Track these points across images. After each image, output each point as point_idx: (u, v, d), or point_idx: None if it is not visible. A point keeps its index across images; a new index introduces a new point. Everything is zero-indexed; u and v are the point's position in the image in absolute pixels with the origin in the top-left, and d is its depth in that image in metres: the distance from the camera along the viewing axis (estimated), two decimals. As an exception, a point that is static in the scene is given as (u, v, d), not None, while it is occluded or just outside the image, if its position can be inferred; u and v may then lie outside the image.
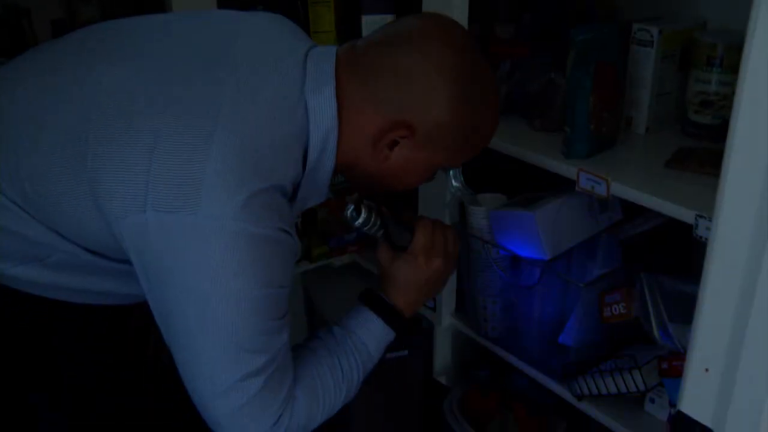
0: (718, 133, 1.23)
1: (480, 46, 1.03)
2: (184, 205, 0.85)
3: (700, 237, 1.01)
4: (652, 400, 1.27)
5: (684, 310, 1.19)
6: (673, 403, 1.21)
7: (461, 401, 1.61)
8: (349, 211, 1.09)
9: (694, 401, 0.73)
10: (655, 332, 1.21)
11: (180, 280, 0.88)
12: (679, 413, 0.75)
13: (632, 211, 1.36)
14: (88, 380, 1.10)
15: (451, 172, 1.40)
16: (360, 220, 1.09)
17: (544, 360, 1.39)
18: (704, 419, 0.72)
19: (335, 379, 1.02)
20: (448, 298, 1.59)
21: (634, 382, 1.23)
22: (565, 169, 1.22)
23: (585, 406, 1.32)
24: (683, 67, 1.31)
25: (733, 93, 0.75)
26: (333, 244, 1.85)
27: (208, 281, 0.87)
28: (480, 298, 1.47)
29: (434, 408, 1.65)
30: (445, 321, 1.61)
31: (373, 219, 1.10)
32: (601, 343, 1.33)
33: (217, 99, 0.89)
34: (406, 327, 1.12)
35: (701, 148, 1.22)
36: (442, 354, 1.70)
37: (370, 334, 1.07)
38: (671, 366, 1.20)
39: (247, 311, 0.89)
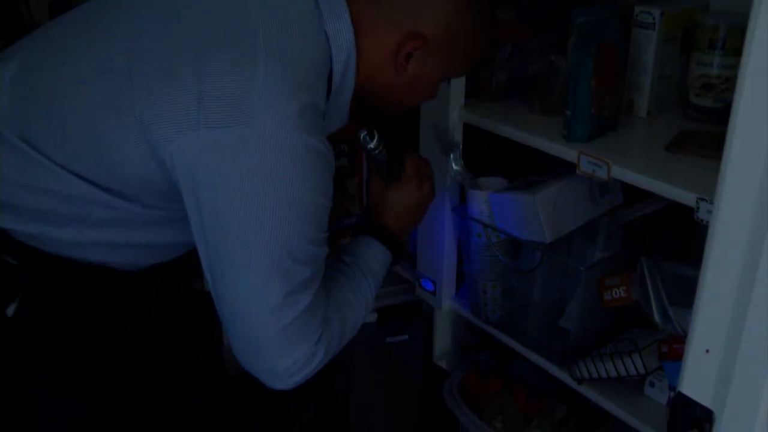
0: (720, 116, 1.23)
1: None
2: (238, 118, 0.88)
3: (701, 220, 1.01)
4: (652, 384, 1.27)
5: (684, 293, 1.19)
6: (672, 387, 1.22)
7: (461, 385, 1.62)
8: (362, 135, 1.21)
9: (694, 382, 0.73)
10: (656, 316, 1.21)
11: (235, 190, 0.90)
12: (679, 394, 0.75)
13: (633, 195, 1.36)
14: (87, 377, 1.11)
15: (451, 156, 1.41)
16: (373, 144, 1.21)
17: (544, 344, 1.39)
18: (704, 400, 0.72)
19: (356, 298, 1.09)
20: (447, 281, 1.59)
21: (634, 365, 1.23)
22: (566, 152, 1.21)
23: (585, 390, 1.32)
24: (685, 50, 1.30)
25: (735, 76, 0.74)
26: (334, 228, 1.85)
27: (264, 186, 0.89)
28: (480, 281, 1.46)
29: (434, 392, 1.65)
30: (445, 305, 1.61)
31: (382, 144, 1.21)
32: (601, 327, 1.33)
33: (250, 27, 0.93)
34: (401, 249, 1.21)
35: (702, 132, 1.22)
36: (442, 338, 1.70)
37: (376, 259, 1.15)
38: (671, 349, 1.20)
39: (300, 217, 0.92)
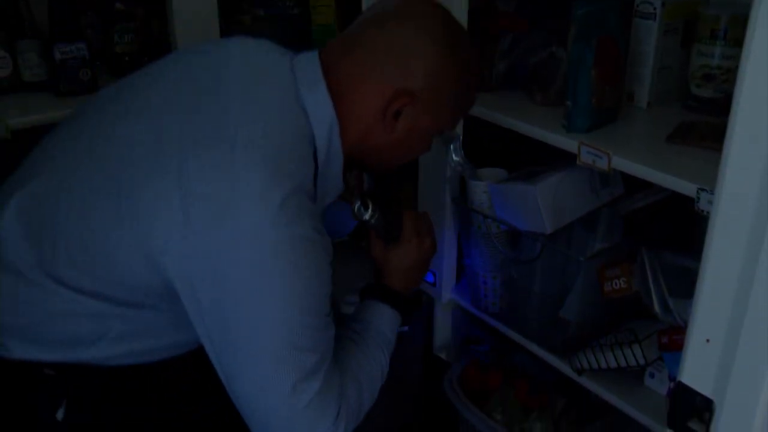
0: (721, 107, 1.23)
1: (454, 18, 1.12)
2: (222, 223, 0.89)
3: (702, 210, 1.01)
4: (652, 375, 1.27)
5: (684, 284, 1.19)
6: (672, 377, 1.22)
7: (461, 377, 1.62)
8: (356, 206, 1.19)
9: (694, 372, 0.73)
10: (656, 307, 1.21)
11: (231, 292, 0.92)
12: (680, 384, 0.75)
13: (634, 186, 1.36)
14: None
15: (451, 146, 1.40)
16: (368, 215, 1.19)
17: (545, 335, 1.39)
18: (704, 390, 0.72)
19: (370, 365, 1.10)
20: (448, 273, 1.59)
21: (634, 356, 1.23)
22: (567, 142, 1.21)
23: (585, 381, 1.32)
24: (686, 41, 1.30)
25: (736, 67, 0.74)
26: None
27: (258, 285, 0.91)
28: (480, 273, 1.47)
29: (434, 383, 1.65)
30: (446, 296, 1.61)
31: (378, 211, 1.20)
32: (601, 318, 1.33)
33: (226, 116, 0.95)
34: (410, 307, 1.23)
35: (703, 122, 1.21)
36: (443, 329, 1.70)
37: (386, 323, 1.16)
38: (671, 340, 1.20)
39: (298, 309, 0.94)
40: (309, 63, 1.03)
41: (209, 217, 0.90)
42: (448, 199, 1.50)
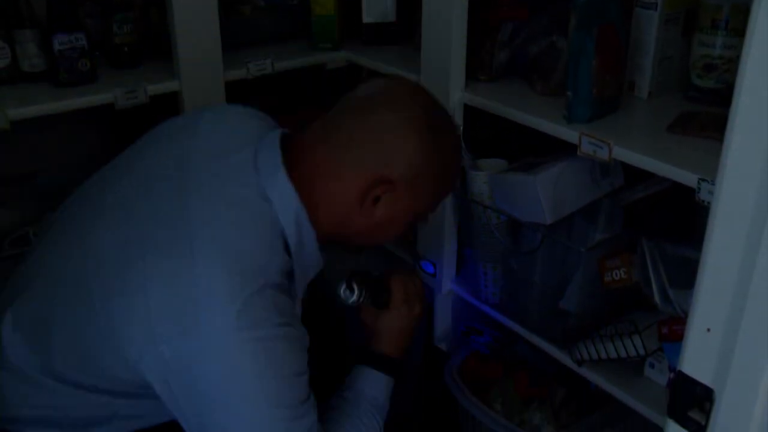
0: (722, 97, 1.23)
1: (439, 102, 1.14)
2: (187, 330, 0.92)
3: (703, 201, 1.01)
4: (652, 365, 1.27)
5: (685, 275, 1.19)
6: (672, 368, 1.22)
7: (461, 368, 1.62)
8: (342, 291, 1.19)
9: (695, 361, 0.73)
10: (656, 297, 1.21)
11: (205, 396, 0.96)
12: (680, 373, 0.75)
13: (634, 176, 1.35)
14: None
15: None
16: (354, 297, 1.19)
17: (545, 325, 1.39)
18: (705, 379, 0.72)
19: None
20: (448, 264, 1.59)
21: (634, 346, 1.23)
22: (567, 133, 1.21)
23: (585, 372, 1.32)
24: (687, 30, 1.29)
25: (737, 56, 0.74)
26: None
27: (230, 391, 0.95)
28: (480, 263, 1.46)
29: (434, 374, 1.65)
30: (446, 287, 1.61)
31: (364, 292, 1.20)
32: (601, 309, 1.33)
33: (186, 220, 0.97)
34: (402, 368, 1.24)
35: (704, 112, 1.21)
36: (443, 320, 1.70)
37: (377, 388, 1.19)
38: (671, 330, 1.20)
39: (273, 405, 0.97)
40: (269, 151, 1.04)
41: (175, 333, 0.93)
42: (448, 189, 1.49)
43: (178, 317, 0.93)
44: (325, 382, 1.17)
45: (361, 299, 1.20)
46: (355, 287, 1.19)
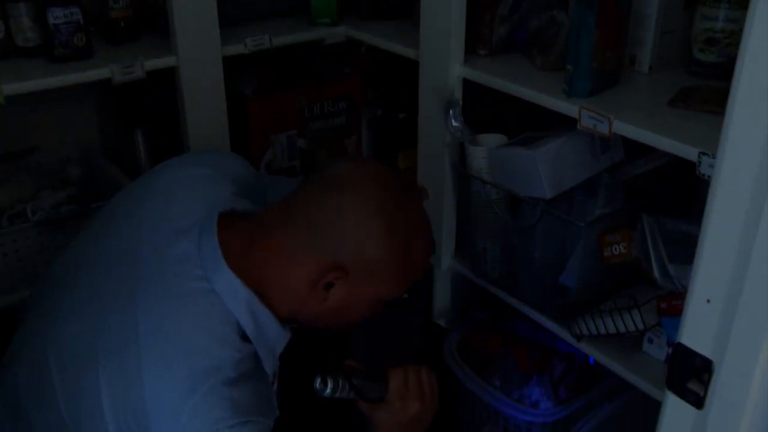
0: (723, 71, 1.22)
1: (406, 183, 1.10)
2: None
3: (703, 174, 1.01)
4: (651, 340, 1.27)
5: (684, 250, 1.19)
6: (671, 343, 1.22)
7: (461, 343, 1.62)
8: (317, 384, 1.11)
9: (694, 333, 0.73)
10: (655, 272, 1.21)
11: None
12: (679, 345, 0.75)
13: (634, 151, 1.35)
14: None
15: (450, 112, 1.40)
16: (328, 390, 1.11)
17: (544, 301, 1.39)
18: (704, 350, 0.72)
19: None
20: (447, 240, 1.59)
21: (633, 321, 1.23)
22: (567, 107, 1.20)
23: (584, 347, 1.32)
24: (689, 4, 1.28)
25: (740, 30, 0.73)
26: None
27: None
28: (479, 239, 1.46)
29: (434, 350, 1.66)
30: (445, 263, 1.61)
31: (341, 384, 1.11)
32: (600, 284, 1.33)
33: (133, 317, 0.95)
34: None
35: (705, 87, 1.20)
36: (442, 296, 1.70)
37: None
38: (670, 305, 1.20)
39: None
40: (210, 243, 1.00)
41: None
42: (447, 164, 1.49)
43: (128, 425, 0.92)
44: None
45: (339, 392, 1.12)
46: (329, 381, 1.11)
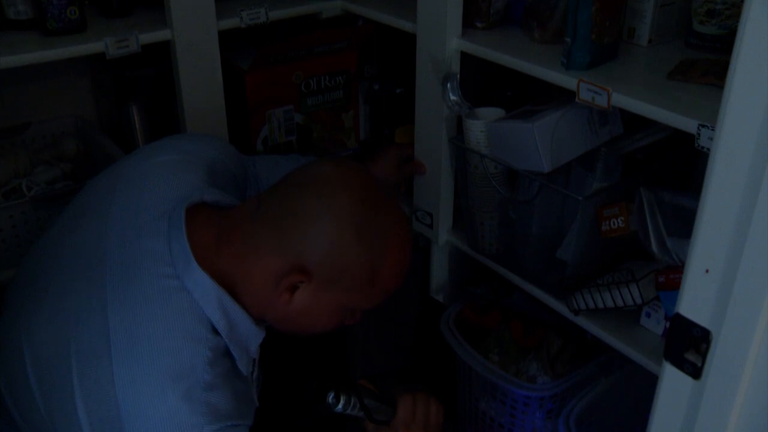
0: (723, 44, 1.21)
1: (386, 194, 1.06)
2: None
3: (702, 147, 1.00)
4: (648, 314, 1.27)
5: (682, 224, 1.18)
6: (668, 317, 1.22)
7: (458, 318, 1.62)
8: (330, 398, 1.13)
9: (692, 303, 0.73)
10: (653, 246, 1.21)
11: None
12: (677, 316, 0.75)
13: (633, 125, 1.34)
14: None
15: (448, 85, 1.39)
16: (340, 406, 1.13)
17: (542, 275, 1.39)
18: (702, 320, 0.72)
19: None
20: (444, 214, 1.58)
21: (631, 295, 1.23)
22: (565, 80, 1.19)
23: (581, 321, 1.32)
24: (689, -25, 1.27)
25: (741, 1, 0.72)
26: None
27: None
28: (477, 213, 1.46)
29: (431, 325, 1.66)
30: (442, 238, 1.61)
31: (352, 402, 1.14)
32: (598, 258, 1.33)
33: (104, 317, 0.94)
34: None
35: (704, 59, 1.19)
36: (439, 271, 1.70)
37: None
38: (668, 279, 1.19)
39: None
40: (179, 240, 0.99)
41: None
42: (445, 138, 1.48)
43: (103, 429, 0.92)
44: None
45: (350, 410, 1.15)
46: (342, 396, 1.13)
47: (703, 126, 1.00)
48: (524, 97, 1.45)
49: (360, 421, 1.18)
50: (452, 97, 1.40)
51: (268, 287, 1.01)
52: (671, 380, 0.78)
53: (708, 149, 0.97)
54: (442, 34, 1.39)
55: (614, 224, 1.25)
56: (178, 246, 0.99)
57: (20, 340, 1.01)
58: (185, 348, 0.94)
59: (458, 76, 1.40)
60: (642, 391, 1.09)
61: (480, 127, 1.36)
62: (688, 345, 0.74)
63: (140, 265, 0.98)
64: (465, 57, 1.41)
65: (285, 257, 0.99)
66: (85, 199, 1.13)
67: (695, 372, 0.75)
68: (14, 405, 1.03)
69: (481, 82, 1.51)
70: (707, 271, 0.71)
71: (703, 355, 0.73)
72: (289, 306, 1.02)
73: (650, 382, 0.86)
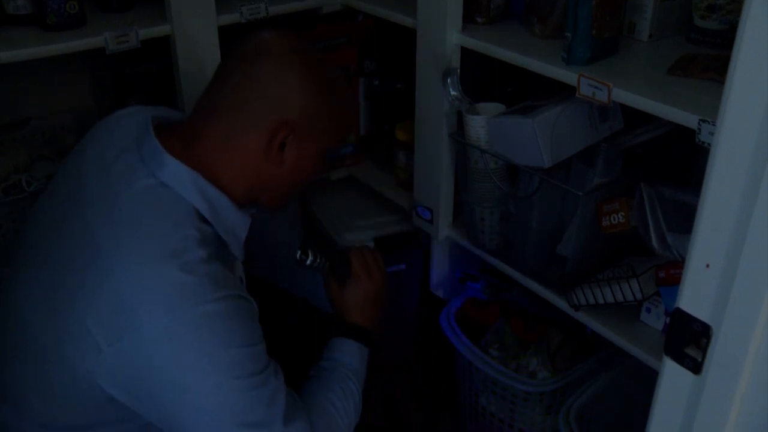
0: (724, 39, 1.21)
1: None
2: (124, 328, 0.93)
3: (703, 142, 1.00)
4: (648, 310, 1.27)
5: (683, 219, 1.18)
6: (669, 312, 1.22)
7: (458, 313, 1.62)
8: (298, 255, 1.32)
9: (693, 298, 0.73)
10: (654, 242, 1.20)
11: (159, 383, 0.96)
12: (677, 310, 0.74)
13: (633, 121, 1.34)
14: None
15: (448, 80, 1.39)
16: (309, 260, 1.32)
17: (542, 271, 1.39)
18: (702, 315, 0.72)
19: (341, 400, 1.16)
20: (445, 210, 1.58)
21: (631, 290, 1.23)
22: (566, 75, 1.19)
23: (581, 317, 1.32)
24: (690, -30, 1.27)
25: (743, -5, 0.72)
26: (329, 157, 1.83)
27: (180, 371, 0.95)
28: (477, 209, 1.46)
29: (431, 321, 1.66)
30: (442, 233, 1.61)
31: (319, 257, 1.33)
32: (598, 253, 1.33)
33: (90, 233, 0.99)
34: (374, 338, 1.30)
35: (705, 54, 1.19)
36: (439, 267, 1.70)
37: (352, 356, 1.24)
38: (668, 275, 1.20)
39: (228, 378, 0.97)
40: (147, 141, 1.05)
41: (112, 335, 0.94)
42: (445, 134, 1.48)
43: (111, 319, 0.94)
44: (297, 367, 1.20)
45: (317, 264, 1.32)
46: (309, 251, 1.31)
47: (704, 121, 1.00)
48: (524, 92, 1.44)
49: (325, 278, 1.34)
50: (452, 93, 1.40)
51: (258, 158, 1.07)
52: (671, 375, 0.78)
53: (708, 144, 0.97)
54: (443, 29, 1.39)
55: (614, 220, 1.25)
56: (148, 149, 1.04)
57: (12, 296, 1.07)
58: (173, 232, 0.98)
59: (458, 71, 1.40)
60: (642, 386, 1.08)
61: (480, 122, 1.36)
62: (689, 340, 0.74)
63: (117, 180, 1.03)
64: (465, 52, 1.41)
65: (264, 123, 1.05)
66: (55, 186, 1.17)
67: (695, 367, 0.74)
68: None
69: (482, 78, 1.51)
70: (708, 266, 0.70)
71: (704, 350, 0.73)
72: (282, 167, 1.09)
73: (650, 378, 0.86)
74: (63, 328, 0.98)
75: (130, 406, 1.00)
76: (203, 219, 1.03)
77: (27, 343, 1.04)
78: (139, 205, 1.00)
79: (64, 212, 1.07)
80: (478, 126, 1.36)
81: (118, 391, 0.98)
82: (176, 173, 1.02)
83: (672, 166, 1.37)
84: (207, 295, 0.95)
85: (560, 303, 1.35)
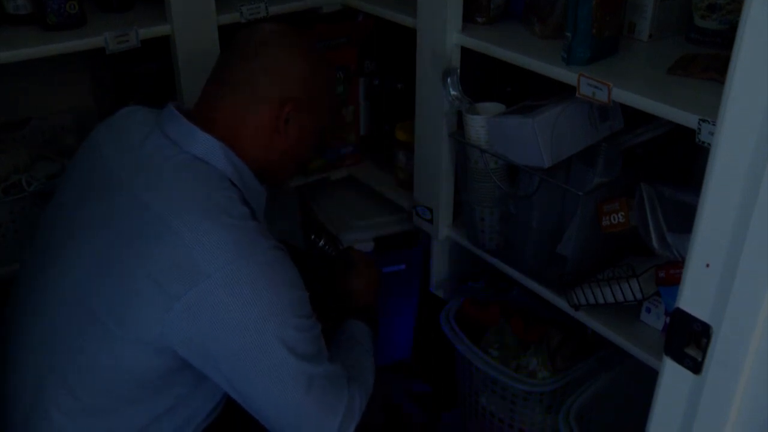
0: (724, 39, 1.21)
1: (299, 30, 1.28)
2: (192, 279, 0.99)
3: (703, 142, 1.00)
4: (648, 310, 1.27)
5: (683, 219, 1.18)
6: (669, 312, 1.22)
7: (458, 313, 1.62)
8: (312, 237, 1.56)
9: (693, 297, 0.73)
10: (654, 241, 1.20)
11: (233, 329, 1.02)
12: (677, 310, 0.74)
13: (633, 121, 1.34)
14: None
15: (448, 80, 1.39)
16: (321, 243, 1.56)
17: (542, 270, 1.39)
18: (702, 315, 0.72)
19: (360, 360, 1.26)
20: (445, 209, 1.58)
21: (631, 290, 1.23)
22: (566, 74, 1.19)
23: (581, 316, 1.32)
24: (690, -31, 1.27)
25: (744, -6, 0.72)
26: (330, 157, 1.83)
27: (247, 313, 1.02)
28: (477, 208, 1.46)
29: (431, 320, 1.66)
30: (442, 233, 1.61)
31: (329, 244, 1.56)
32: (599, 253, 1.33)
33: (141, 204, 1.05)
34: (376, 320, 1.41)
35: (705, 54, 1.19)
36: (439, 267, 1.70)
37: (363, 335, 1.33)
38: (668, 274, 1.19)
39: (293, 316, 1.06)
40: (174, 121, 1.13)
41: (182, 287, 0.99)
42: (445, 133, 1.48)
43: (180, 273, 1.00)
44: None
45: (327, 248, 1.57)
46: (323, 235, 1.56)
47: (704, 121, 1.00)
48: (524, 92, 1.45)
49: (331, 266, 1.51)
50: (452, 93, 1.40)
51: (268, 131, 1.17)
52: (671, 375, 0.78)
53: (708, 144, 0.97)
54: (443, 29, 1.39)
55: (614, 219, 1.25)
56: (177, 128, 1.13)
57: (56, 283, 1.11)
58: (217, 192, 1.07)
59: (458, 71, 1.40)
60: (642, 386, 1.08)
61: (480, 122, 1.36)
62: (689, 340, 0.74)
63: (153, 158, 1.11)
64: (465, 52, 1.41)
65: (272, 99, 1.16)
66: (71, 184, 1.22)
67: (695, 367, 0.74)
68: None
69: (482, 78, 1.51)
70: (708, 265, 0.70)
71: (704, 350, 0.73)
72: (288, 140, 1.19)
73: (650, 378, 0.86)
74: (127, 296, 1.02)
75: (190, 360, 1.05)
76: (235, 186, 1.11)
77: (85, 312, 1.06)
78: (181, 172, 1.08)
79: (100, 195, 1.12)
80: (478, 126, 1.36)
81: (185, 345, 1.03)
82: (209, 146, 1.11)
83: (672, 166, 1.37)
84: (263, 244, 1.04)
85: (560, 303, 1.35)
